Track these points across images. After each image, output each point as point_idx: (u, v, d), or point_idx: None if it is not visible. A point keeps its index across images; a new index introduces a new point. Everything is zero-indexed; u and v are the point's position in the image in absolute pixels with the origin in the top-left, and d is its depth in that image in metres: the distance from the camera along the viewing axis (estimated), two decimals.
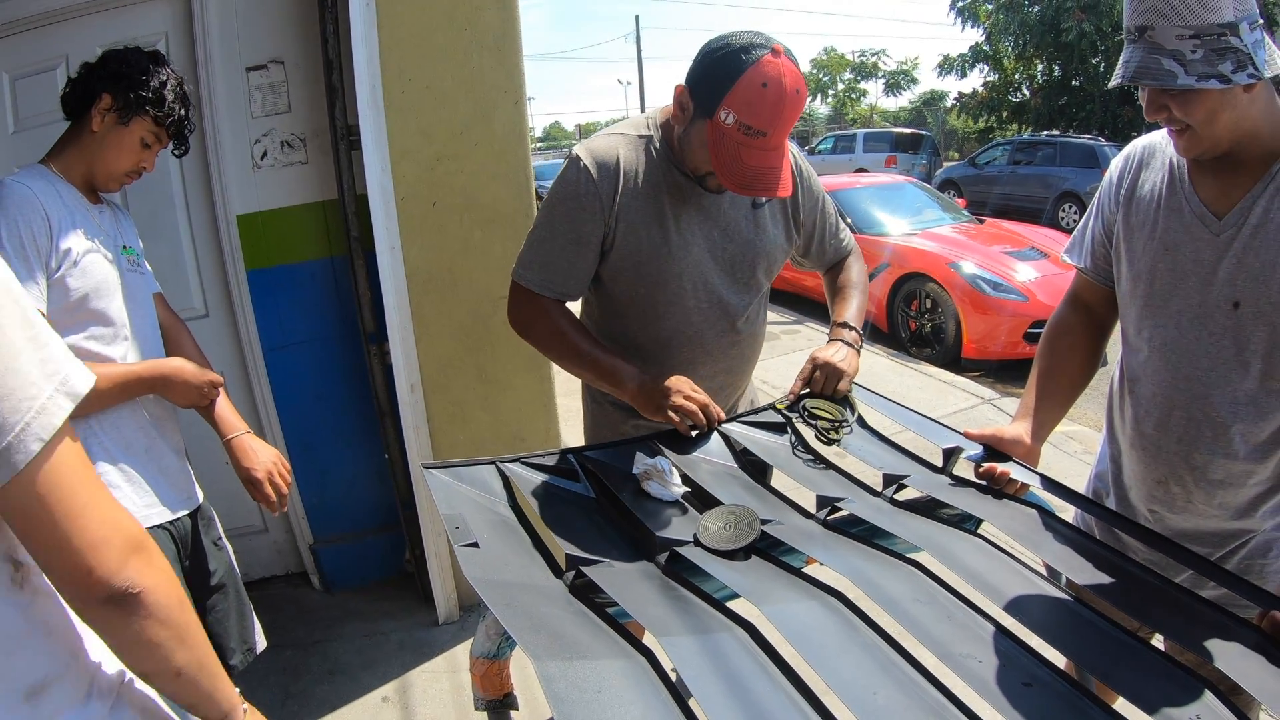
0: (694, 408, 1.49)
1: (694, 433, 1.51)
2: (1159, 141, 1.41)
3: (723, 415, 1.56)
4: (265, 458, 1.72)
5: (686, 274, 1.62)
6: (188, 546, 1.70)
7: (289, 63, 2.51)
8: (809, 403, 1.62)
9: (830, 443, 1.56)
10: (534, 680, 1.75)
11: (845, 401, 1.65)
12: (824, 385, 1.63)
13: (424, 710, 2.35)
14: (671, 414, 1.49)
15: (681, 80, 1.51)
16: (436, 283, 2.45)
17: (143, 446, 1.64)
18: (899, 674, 0.95)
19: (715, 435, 1.58)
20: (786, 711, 0.86)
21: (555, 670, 0.84)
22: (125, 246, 1.70)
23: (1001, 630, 1.05)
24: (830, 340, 1.71)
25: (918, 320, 6.48)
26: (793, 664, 0.94)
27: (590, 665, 0.87)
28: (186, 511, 1.71)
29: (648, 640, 1.00)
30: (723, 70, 1.41)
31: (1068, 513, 1.42)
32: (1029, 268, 6.28)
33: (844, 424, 1.59)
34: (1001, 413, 5.01)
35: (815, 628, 1.01)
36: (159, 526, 1.62)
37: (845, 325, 1.73)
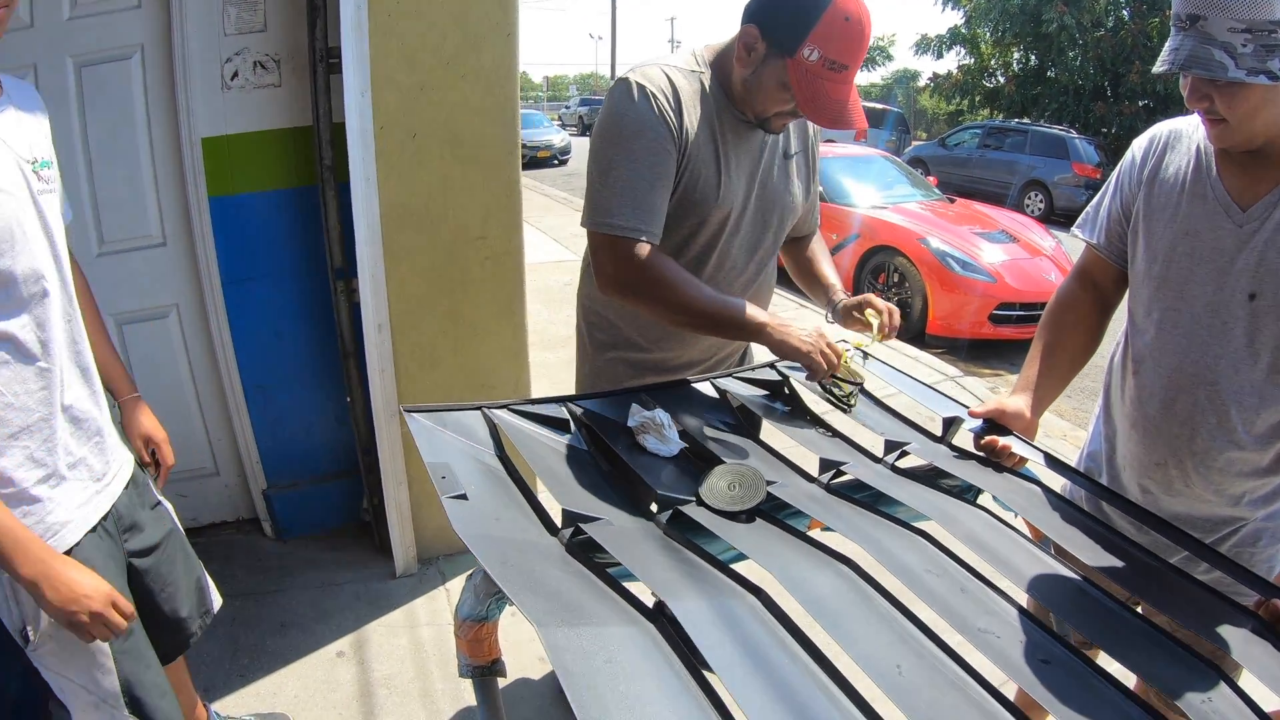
0: (835, 358, 1.49)
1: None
2: (1185, 126, 1.39)
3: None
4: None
5: (730, 219, 1.57)
6: (123, 526, 1.45)
7: None
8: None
9: (848, 409, 1.52)
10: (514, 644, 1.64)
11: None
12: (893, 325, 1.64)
13: (380, 666, 2.27)
14: (816, 354, 1.47)
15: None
16: (412, 218, 2.32)
17: (54, 450, 1.29)
18: (918, 646, 0.90)
19: (710, 389, 1.51)
20: (807, 684, 0.80)
21: (561, 639, 0.76)
22: (35, 160, 1.26)
23: (1016, 606, 1.01)
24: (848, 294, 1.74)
25: (884, 294, 6.47)
26: (808, 633, 0.89)
27: (597, 632, 0.80)
28: (116, 496, 1.44)
29: (651, 600, 0.94)
30: (803, 7, 1.36)
31: (1055, 484, 1.41)
32: (998, 250, 6.31)
33: (860, 387, 1.56)
34: (965, 390, 5.04)
35: (830, 596, 0.95)
36: (90, 532, 1.34)
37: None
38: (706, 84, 1.51)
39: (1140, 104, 16.85)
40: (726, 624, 0.86)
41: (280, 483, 2.82)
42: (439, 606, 2.53)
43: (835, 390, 1.54)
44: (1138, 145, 1.46)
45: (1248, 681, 1.03)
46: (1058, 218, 12.55)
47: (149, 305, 2.54)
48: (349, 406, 2.62)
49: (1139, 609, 1.38)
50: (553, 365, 4.90)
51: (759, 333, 1.48)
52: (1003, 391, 5.28)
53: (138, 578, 1.47)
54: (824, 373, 1.47)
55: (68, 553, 1.27)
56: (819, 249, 1.86)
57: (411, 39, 2.16)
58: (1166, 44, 1.18)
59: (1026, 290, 5.99)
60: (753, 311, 1.48)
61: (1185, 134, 1.38)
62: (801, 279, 1.88)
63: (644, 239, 1.44)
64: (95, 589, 1.21)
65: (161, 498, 1.56)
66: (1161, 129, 1.43)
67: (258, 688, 2.21)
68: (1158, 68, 1.19)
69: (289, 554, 2.76)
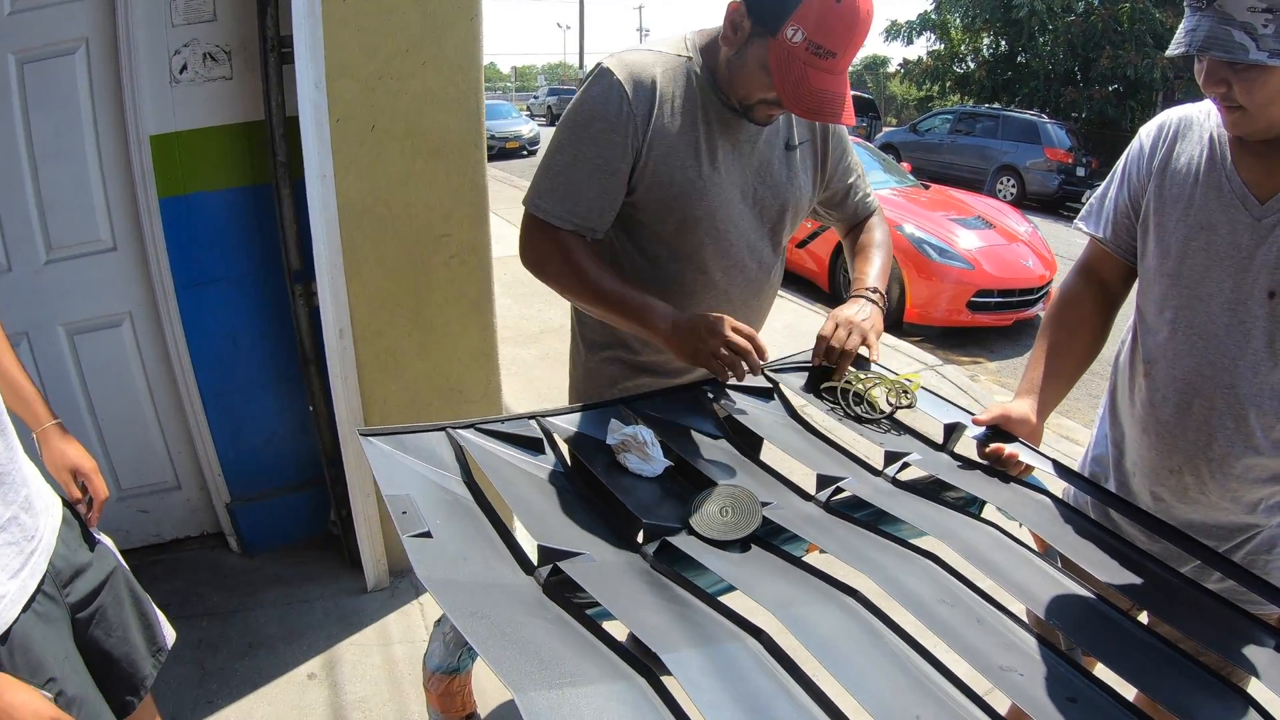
0: (746, 346, 1.33)
1: (730, 379, 1.37)
2: (1196, 113, 1.31)
3: (766, 356, 1.39)
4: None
5: (719, 214, 1.45)
6: (62, 580, 1.30)
7: None
8: (860, 387, 1.47)
9: (905, 407, 1.44)
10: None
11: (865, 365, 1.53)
12: (845, 342, 1.47)
13: (353, 688, 2.16)
14: (714, 360, 1.33)
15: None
16: (371, 216, 2.19)
17: None
18: (937, 691, 0.82)
19: (696, 399, 1.41)
20: None
21: (542, 704, 0.66)
22: None
23: (1034, 635, 0.93)
24: (852, 298, 1.57)
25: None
26: (817, 679, 0.79)
27: (582, 693, 0.70)
28: (51, 549, 1.28)
29: (627, 641, 0.84)
30: None
31: (1055, 487, 1.34)
32: (974, 236, 6.27)
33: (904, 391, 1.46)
34: (945, 380, 5.00)
35: (838, 635, 0.86)
36: (28, 603, 1.20)
37: (867, 286, 1.59)
38: (694, 71, 1.42)
39: (1110, 89, 16.95)
40: (727, 675, 0.77)
41: (244, 495, 2.69)
42: (413, 623, 2.42)
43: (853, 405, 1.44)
44: (1145, 133, 1.37)
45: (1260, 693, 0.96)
46: (1030, 202, 12.60)
47: (101, 314, 2.40)
48: (312, 415, 2.50)
49: (1143, 617, 1.32)
50: (527, 361, 4.79)
51: (654, 328, 1.37)
52: (983, 379, 5.26)
53: (83, 628, 1.32)
54: (728, 377, 1.36)
55: (5, 634, 1.13)
56: (870, 239, 1.70)
57: (369, 25, 2.03)
58: (1181, 25, 1.09)
59: (1005, 277, 5.95)
60: (657, 309, 1.37)
61: (1197, 121, 1.30)
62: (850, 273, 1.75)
63: (564, 227, 1.42)
64: (35, 714, 1.07)
65: (100, 535, 1.42)
66: (1171, 116, 1.35)
67: (226, 714, 2.10)
68: (1173, 50, 1.10)
69: (255, 570, 2.64)
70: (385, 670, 2.23)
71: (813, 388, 1.49)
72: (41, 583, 1.22)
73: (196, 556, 2.69)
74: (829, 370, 1.50)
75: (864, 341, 1.49)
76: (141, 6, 2.13)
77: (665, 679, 0.77)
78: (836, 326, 1.49)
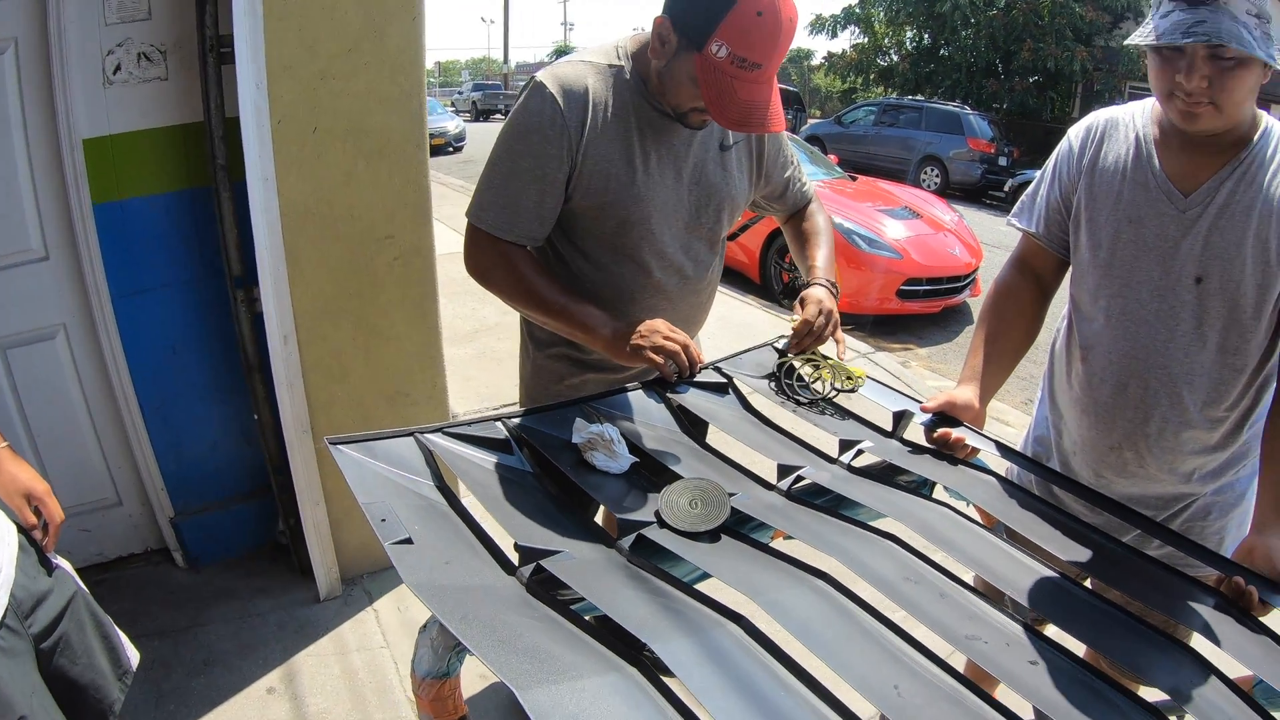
0: (676, 348, 1.39)
1: (675, 376, 1.42)
2: (1122, 115, 1.41)
3: (702, 358, 1.46)
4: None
5: (654, 216, 1.49)
6: (24, 611, 1.26)
7: None
8: (806, 369, 1.53)
9: (848, 391, 1.51)
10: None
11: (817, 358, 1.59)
12: (826, 330, 1.56)
13: (315, 701, 2.13)
14: (653, 355, 1.38)
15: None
16: (314, 218, 2.16)
17: None
18: (910, 662, 0.87)
19: (653, 395, 1.45)
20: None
21: (545, 700, 0.69)
22: None
23: (995, 607, 0.99)
24: (811, 285, 1.62)
25: (791, 273, 6.51)
26: (798, 657, 0.84)
27: (580, 687, 0.73)
28: (11, 581, 1.25)
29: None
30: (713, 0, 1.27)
31: (999, 467, 1.43)
32: (902, 226, 6.42)
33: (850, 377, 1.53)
34: (877, 366, 5.13)
35: (813, 617, 0.90)
36: None
37: (828, 278, 1.65)
38: (626, 78, 1.45)
39: (1031, 80, 17.56)
40: (715, 661, 0.80)
41: (188, 508, 2.62)
42: (368, 630, 2.40)
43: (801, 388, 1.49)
44: (1074, 134, 1.46)
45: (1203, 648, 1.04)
46: (953, 191, 12.99)
47: (34, 326, 2.30)
48: (257, 424, 2.45)
49: (1088, 583, 1.41)
50: (462, 360, 4.75)
51: (595, 335, 1.43)
52: (914, 365, 5.42)
53: (47, 658, 1.29)
54: (672, 373, 1.42)
55: None
56: (814, 226, 1.76)
57: (311, 23, 2.00)
58: (1167, 17, 1.15)
59: (932, 265, 6.13)
60: (597, 317, 1.43)
61: (1123, 122, 1.39)
62: (796, 260, 1.81)
63: (505, 238, 1.46)
64: None
65: (60, 560, 1.37)
66: (1098, 118, 1.44)
67: None
68: (1174, 39, 1.13)
69: (204, 584, 2.57)
70: (345, 680, 2.21)
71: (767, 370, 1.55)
72: (4, 616, 1.18)
73: (142, 574, 2.60)
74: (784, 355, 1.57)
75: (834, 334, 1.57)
76: (73, 5, 2.05)
77: (655, 666, 0.80)
78: (820, 313, 1.55)
